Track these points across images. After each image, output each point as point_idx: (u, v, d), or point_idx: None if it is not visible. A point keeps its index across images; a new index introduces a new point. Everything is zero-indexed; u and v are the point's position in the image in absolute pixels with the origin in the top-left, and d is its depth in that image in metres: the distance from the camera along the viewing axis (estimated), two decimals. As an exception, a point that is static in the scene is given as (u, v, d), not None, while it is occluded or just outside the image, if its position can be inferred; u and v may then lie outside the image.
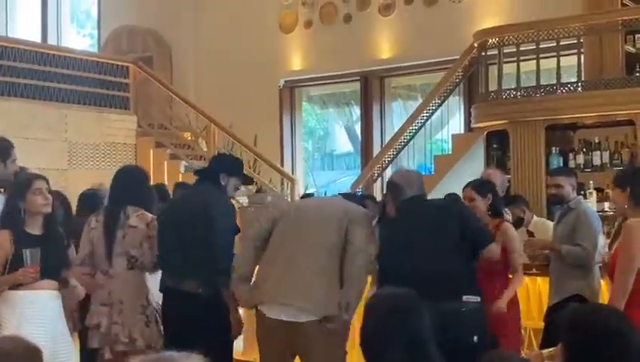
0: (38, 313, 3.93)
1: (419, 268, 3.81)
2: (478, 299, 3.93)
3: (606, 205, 6.60)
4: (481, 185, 4.79)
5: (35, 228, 4.02)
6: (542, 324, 4.81)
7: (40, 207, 3.99)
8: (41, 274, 3.88)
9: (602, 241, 5.03)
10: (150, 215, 4.44)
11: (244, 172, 4.85)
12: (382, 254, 3.99)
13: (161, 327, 4.41)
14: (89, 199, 5.60)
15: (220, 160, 4.95)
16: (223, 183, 4.41)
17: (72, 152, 9.54)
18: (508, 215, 5.32)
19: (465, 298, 3.89)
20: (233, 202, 5.12)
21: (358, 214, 4.09)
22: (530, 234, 5.36)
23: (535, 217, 6.00)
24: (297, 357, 4.09)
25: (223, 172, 4.44)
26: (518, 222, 5.55)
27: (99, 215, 4.49)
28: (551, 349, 2.68)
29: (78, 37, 14.98)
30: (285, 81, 11.47)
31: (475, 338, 3.78)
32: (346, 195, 4.58)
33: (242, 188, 6.51)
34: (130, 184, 4.52)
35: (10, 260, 3.90)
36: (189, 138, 10.88)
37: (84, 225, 4.50)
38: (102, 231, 4.38)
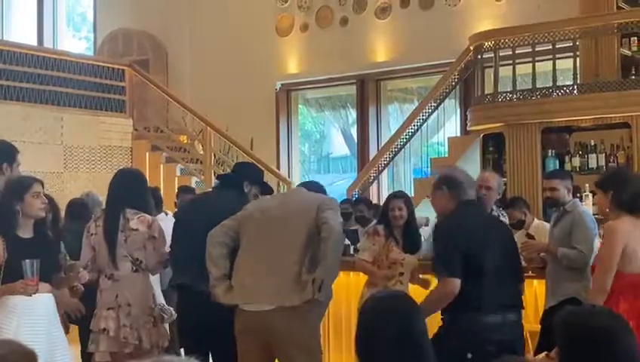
0: (36, 317, 3.91)
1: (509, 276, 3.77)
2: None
3: (602, 208, 6.61)
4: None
5: (25, 232, 3.99)
6: (538, 327, 4.80)
7: (37, 210, 3.98)
8: None
9: (598, 244, 5.03)
10: (150, 216, 4.46)
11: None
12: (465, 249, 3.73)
13: (167, 325, 4.44)
14: (78, 208, 5.61)
15: (244, 167, 5.10)
16: (245, 190, 4.53)
17: (67, 155, 9.53)
18: (504, 218, 5.32)
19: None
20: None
21: (327, 201, 4.05)
22: (531, 236, 5.35)
23: (536, 220, 5.98)
24: None
25: (246, 179, 4.57)
26: (518, 225, 5.54)
27: (98, 219, 4.49)
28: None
29: (74, 40, 14.99)
30: (282, 84, 11.47)
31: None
32: (307, 185, 4.49)
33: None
34: (130, 187, 4.54)
35: (3, 266, 3.87)
36: (185, 141, 10.88)
37: (69, 233, 4.50)
38: (102, 236, 4.38)
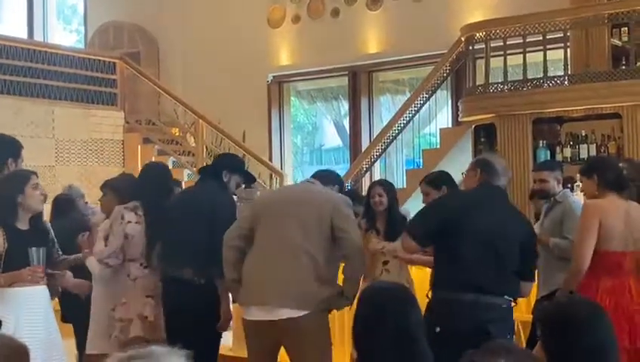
0: (34, 309, 3.92)
1: (492, 259, 3.70)
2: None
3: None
4: (434, 179, 4.85)
5: (22, 224, 4.01)
6: (530, 317, 4.83)
7: (37, 202, 4.01)
8: None
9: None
10: None
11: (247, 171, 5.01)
12: (458, 229, 3.73)
13: None
14: (64, 203, 5.64)
15: (222, 158, 5.20)
16: (225, 180, 4.59)
17: (59, 149, 9.51)
18: None
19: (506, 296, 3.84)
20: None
21: (339, 204, 4.03)
22: None
23: None
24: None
25: (224, 169, 4.62)
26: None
27: (137, 209, 4.56)
28: None
29: (65, 33, 14.94)
30: (273, 77, 11.45)
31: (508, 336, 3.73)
32: (323, 177, 4.43)
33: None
34: (161, 180, 4.75)
35: (3, 256, 3.88)
36: (177, 134, 10.86)
37: (56, 229, 4.49)
38: (144, 226, 4.49)
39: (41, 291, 3.97)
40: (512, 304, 3.80)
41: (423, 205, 4.41)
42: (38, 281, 3.86)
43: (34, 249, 3.80)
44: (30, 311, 3.89)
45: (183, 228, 4.44)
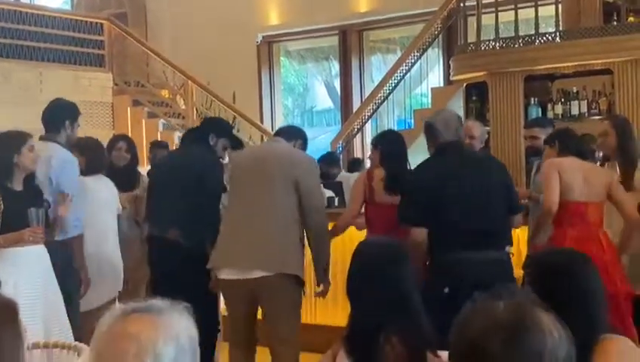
0: (34, 267, 3.94)
1: (471, 216, 3.77)
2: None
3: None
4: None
5: (17, 184, 4.01)
6: (521, 272, 4.86)
7: (32, 163, 4.01)
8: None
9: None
10: None
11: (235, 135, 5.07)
12: (425, 196, 3.83)
13: None
14: None
15: (208, 122, 5.21)
16: (211, 143, 4.60)
17: (48, 112, 9.42)
18: None
19: (507, 248, 3.98)
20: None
21: (303, 163, 4.14)
22: None
23: None
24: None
25: (211, 132, 4.64)
26: None
27: None
28: None
29: (51, -6, 14.69)
30: (263, 37, 11.35)
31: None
32: (286, 133, 4.50)
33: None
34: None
35: (0, 217, 3.87)
36: (167, 96, 10.78)
37: None
38: None
39: (39, 251, 3.98)
40: (511, 254, 3.95)
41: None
42: (39, 242, 3.88)
43: (33, 209, 3.82)
44: (29, 270, 3.91)
45: (170, 190, 4.47)
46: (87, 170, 4.70)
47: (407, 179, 4.11)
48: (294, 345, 4.09)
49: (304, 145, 4.44)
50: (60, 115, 4.55)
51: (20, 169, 3.99)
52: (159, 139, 9.54)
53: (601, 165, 4.89)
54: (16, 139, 4.00)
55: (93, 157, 4.82)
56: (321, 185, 6.30)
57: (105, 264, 4.78)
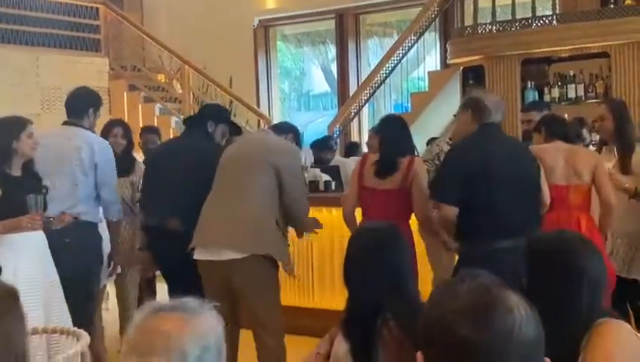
0: (32, 252, 3.94)
1: (514, 202, 3.71)
2: None
3: (581, 138, 6.66)
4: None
5: (15, 170, 4.01)
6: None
7: (31, 149, 4.00)
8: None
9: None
10: None
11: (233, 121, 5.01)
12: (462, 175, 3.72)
13: None
14: None
15: (207, 108, 5.13)
16: (210, 130, 4.58)
17: (44, 97, 9.41)
18: None
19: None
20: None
21: (285, 152, 4.15)
22: None
23: None
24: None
25: (210, 119, 4.61)
26: None
27: None
28: None
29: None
30: (259, 20, 11.31)
31: None
32: (275, 127, 4.61)
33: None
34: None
35: None
36: (163, 80, 10.75)
37: None
38: None
39: (37, 237, 3.97)
40: None
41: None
42: (37, 228, 3.88)
43: (32, 196, 3.82)
44: (27, 256, 3.91)
45: (169, 179, 4.44)
46: None
47: (449, 157, 3.95)
48: (275, 328, 4.05)
49: (295, 139, 4.46)
50: (85, 102, 4.62)
51: (19, 155, 3.99)
52: (155, 123, 9.55)
53: (599, 149, 4.89)
54: (16, 125, 4.00)
55: None
56: (317, 169, 6.34)
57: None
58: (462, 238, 3.81)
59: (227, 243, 3.97)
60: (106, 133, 5.21)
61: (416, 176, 4.20)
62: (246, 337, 4.15)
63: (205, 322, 1.59)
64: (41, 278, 3.92)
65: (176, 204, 4.38)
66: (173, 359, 1.51)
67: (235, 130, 4.88)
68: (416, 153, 4.55)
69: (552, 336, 1.44)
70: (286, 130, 4.48)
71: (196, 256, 4.08)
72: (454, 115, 4.39)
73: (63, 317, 3.96)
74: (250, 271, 3.96)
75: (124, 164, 5.05)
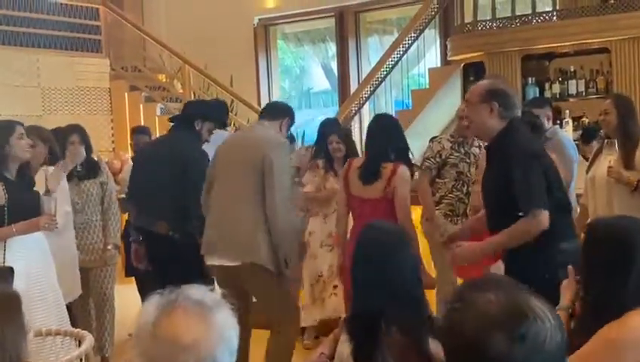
0: (35, 252, 3.96)
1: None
2: None
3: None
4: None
5: (10, 174, 4.01)
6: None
7: (24, 151, 4.00)
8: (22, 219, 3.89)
9: (577, 169, 5.10)
10: None
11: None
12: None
13: None
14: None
15: (194, 105, 5.01)
16: (197, 128, 4.49)
17: (45, 98, 9.42)
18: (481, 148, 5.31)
19: None
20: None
21: (271, 144, 4.03)
22: None
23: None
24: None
25: (197, 117, 4.51)
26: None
27: None
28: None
29: (46, -20, 14.61)
30: (259, 19, 11.31)
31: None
32: (269, 110, 4.36)
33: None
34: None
35: (4, 206, 3.87)
36: (164, 80, 10.75)
37: None
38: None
39: (37, 236, 3.99)
40: None
41: None
42: (52, 229, 3.93)
43: (45, 198, 3.89)
44: (32, 256, 3.92)
45: (155, 181, 4.39)
46: (51, 160, 4.62)
47: (529, 162, 3.25)
48: (287, 331, 4.06)
49: (291, 121, 4.28)
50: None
51: (12, 158, 3.97)
52: (157, 123, 9.57)
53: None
54: (4, 130, 3.99)
55: (54, 148, 4.72)
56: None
57: (70, 254, 4.68)
58: (552, 240, 3.29)
59: (225, 252, 3.99)
60: (63, 141, 4.91)
61: (396, 190, 4.22)
62: (252, 338, 4.18)
63: (225, 321, 1.45)
64: (46, 277, 3.94)
65: (163, 208, 4.34)
66: None
67: (222, 124, 4.82)
68: (410, 154, 4.44)
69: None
70: (279, 114, 4.24)
71: (208, 261, 4.09)
72: (457, 111, 4.36)
73: (61, 314, 3.98)
74: (252, 278, 3.99)
75: (91, 168, 4.94)
